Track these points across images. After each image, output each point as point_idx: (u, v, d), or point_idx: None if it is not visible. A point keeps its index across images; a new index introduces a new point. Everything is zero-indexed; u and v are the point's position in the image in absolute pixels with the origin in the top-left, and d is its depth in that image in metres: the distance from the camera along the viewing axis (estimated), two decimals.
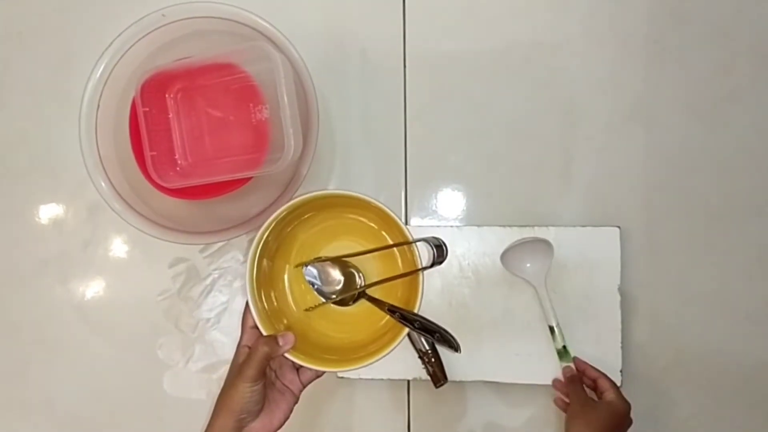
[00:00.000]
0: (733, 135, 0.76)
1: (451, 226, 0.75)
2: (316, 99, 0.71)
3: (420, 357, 0.72)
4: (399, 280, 0.64)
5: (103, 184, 0.72)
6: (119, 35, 0.71)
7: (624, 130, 0.76)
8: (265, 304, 0.65)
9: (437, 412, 0.76)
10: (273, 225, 0.63)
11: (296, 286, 0.69)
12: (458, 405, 0.76)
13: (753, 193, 0.76)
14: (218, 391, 0.75)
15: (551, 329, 0.72)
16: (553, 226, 0.74)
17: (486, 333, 0.74)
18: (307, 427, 0.76)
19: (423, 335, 0.65)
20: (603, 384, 0.69)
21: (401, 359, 0.73)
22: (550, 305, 0.72)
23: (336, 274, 0.66)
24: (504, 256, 0.73)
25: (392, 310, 0.63)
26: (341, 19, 0.78)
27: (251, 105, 0.71)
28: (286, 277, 0.69)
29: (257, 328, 0.62)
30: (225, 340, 0.77)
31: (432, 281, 0.74)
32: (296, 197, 0.63)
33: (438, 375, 0.72)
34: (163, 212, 0.74)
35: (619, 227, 0.73)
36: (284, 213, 0.63)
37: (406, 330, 0.61)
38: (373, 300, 0.65)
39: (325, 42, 0.77)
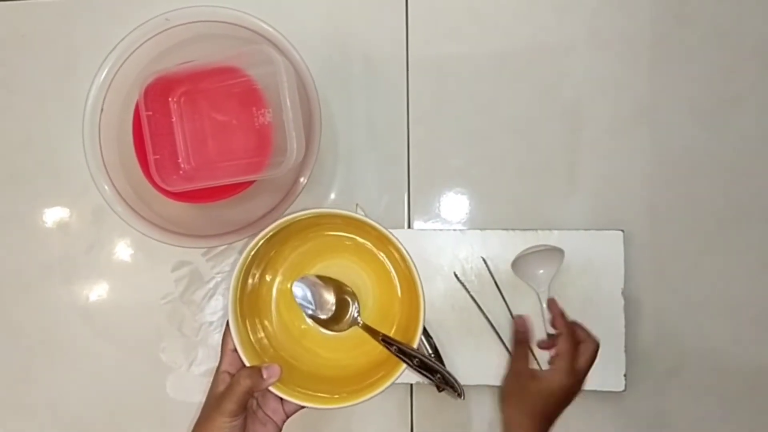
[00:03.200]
0: (738, 138, 0.76)
1: (455, 230, 0.75)
2: (319, 102, 0.71)
3: (421, 365, 0.65)
4: (398, 304, 0.61)
5: (106, 187, 0.72)
6: (123, 39, 0.71)
7: (628, 133, 0.76)
8: (249, 329, 0.61)
9: (440, 416, 0.76)
10: (258, 246, 0.60)
11: (285, 311, 0.66)
12: (461, 409, 0.75)
13: (758, 196, 0.75)
14: None
15: (549, 337, 0.72)
16: (557, 229, 0.74)
17: (488, 337, 0.73)
18: (308, 431, 0.76)
19: (422, 374, 0.60)
20: (560, 347, 0.63)
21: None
22: (548, 315, 0.72)
23: (329, 297, 0.62)
24: (516, 262, 0.73)
25: (388, 342, 0.58)
26: (344, 23, 0.78)
27: (254, 109, 0.71)
28: (273, 300, 0.66)
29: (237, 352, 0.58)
30: None
31: (435, 284, 0.74)
32: (285, 216, 0.59)
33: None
34: (166, 216, 0.74)
35: (623, 231, 0.73)
36: (271, 233, 0.60)
37: (403, 367, 0.58)
38: (368, 329, 0.61)
39: (327, 45, 0.77)
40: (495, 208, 0.76)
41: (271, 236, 0.60)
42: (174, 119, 0.73)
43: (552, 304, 0.69)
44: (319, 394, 0.59)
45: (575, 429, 0.74)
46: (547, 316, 0.72)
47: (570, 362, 0.64)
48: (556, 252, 0.72)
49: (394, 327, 0.65)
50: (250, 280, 0.62)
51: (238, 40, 0.72)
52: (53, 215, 0.79)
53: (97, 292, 0.79)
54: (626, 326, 0.72)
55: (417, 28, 0.77)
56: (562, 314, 0.68)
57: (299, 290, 0.62)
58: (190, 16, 0.71)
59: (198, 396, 0.77)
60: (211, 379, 0.74)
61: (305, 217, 0.59)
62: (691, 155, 0.76)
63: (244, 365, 0.59)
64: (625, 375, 0.72)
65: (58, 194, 0.79)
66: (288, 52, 0.71)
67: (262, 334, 0.64)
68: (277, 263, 0.66)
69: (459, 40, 0.77)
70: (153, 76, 0.70)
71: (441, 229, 0.76)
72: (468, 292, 0.73)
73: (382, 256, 0.65)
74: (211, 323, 0.77)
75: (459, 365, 0.73)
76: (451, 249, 0.74)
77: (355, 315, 0.62)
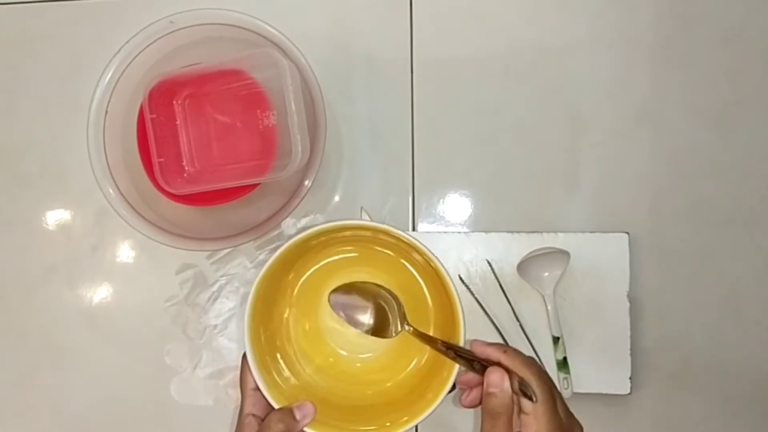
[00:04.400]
0: (742, 139, 0.76)
1: (459, 232, 0.75)
2: (324, 105, 0.71)
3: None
4: (429, 310, 0.58)
5: (110, 190, 0.72)
6: (127, 42, 0.71)
7: (632, 135, 0.76)
8: (271, 367, 0.57)
9: (445, 418, 0.75)
10: (271, 269, 0.55)
11: (306, 342, 0.60)
12: (467, 413, 0.75)
13: (762, 197, 0.75)
14: (225, 397, 0.76)
15: (555, 339, 0.72)
16: (561, 232, 0.73)
17: (493, 339, 0.73)
18: None
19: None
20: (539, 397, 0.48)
21: None
22: (556, 315, 0.72)
23: (364, 305, 0.56)
24: (522, 264, 0.73)
25: (447, 347, 0.52)
26: (349, 26, 0.78)
27: (259, 111, 0.71)
28: (291, 330, 0.61)
29: (260, 391, 0.53)
30: (232, 347, 0.76)
31: None
32: (295, 237, 0.54)
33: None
34: (170, 218, 0.74)
35: (627, 233, 0.73)
36: (280, 255, 0.55)
37: (452, 379, 0.51)
38: (420, 335, 0.53)
39: (332, 48, 0.77)
40: (499, 210, 0.76)
41: (279, 262, 0.55)
42: (178, 122, 0.73)
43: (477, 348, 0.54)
44: (359, 428, 0.54)
45: None
46: (553, 317, 0.72)
47: (559, 406, 0.50)
48: (562, 254, 0.72)
49: (431, 332, 0.60)
50: (264, 311, 0.57)
51: (242, 43, 0.72)
52: (57, 218, 0.79)
53: (101, 294, 0.79)
54: (631, 329, 0.72)
55: (421, 30, 0.77)
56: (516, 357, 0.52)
57: (338, 303, 0.57)
58: (195, 19, 0.71)
59: (203, 399, 0.77)
60: (218, 382, 0.74)
61: (315, 233, 0.55)
62: (697, 157, 0.76)
63: (271, 407, 0.53)
64: (630, 378, 0.72)
65: (62, 197, 0.79)
66: (293, 54, 0.71)
67: (286, 370, 0.59)
68: (288, 291, 0.62)
69: (463, 42, 0.77)
70: (157, 79, 0.70)
71: (445, 232, 0.76)
72: (473, 294, 0.73)
73: (403, 261, 0.61)
74: (215, 326, 0.76)
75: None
76: (456, 251, 0.74)
77: (405, 325, 0.56)
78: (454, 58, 0.77)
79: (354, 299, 0.57)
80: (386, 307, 0.57)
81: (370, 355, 0.60)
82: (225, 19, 0.71)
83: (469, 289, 0.73)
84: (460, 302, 0.53)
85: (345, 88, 0.77)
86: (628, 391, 0.72)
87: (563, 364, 0.71)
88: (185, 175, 0.73)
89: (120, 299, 0.79)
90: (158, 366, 0.77)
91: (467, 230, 0.76)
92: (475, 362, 0.51)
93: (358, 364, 0.60)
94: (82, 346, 0.79)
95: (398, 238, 0.54)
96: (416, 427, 0.75)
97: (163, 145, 0.71)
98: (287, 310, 0.62)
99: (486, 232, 0.74)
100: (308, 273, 0.62)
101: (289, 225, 0.75)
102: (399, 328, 0.56)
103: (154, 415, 0.78)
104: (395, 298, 0.57)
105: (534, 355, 0.73)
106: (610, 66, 0.77)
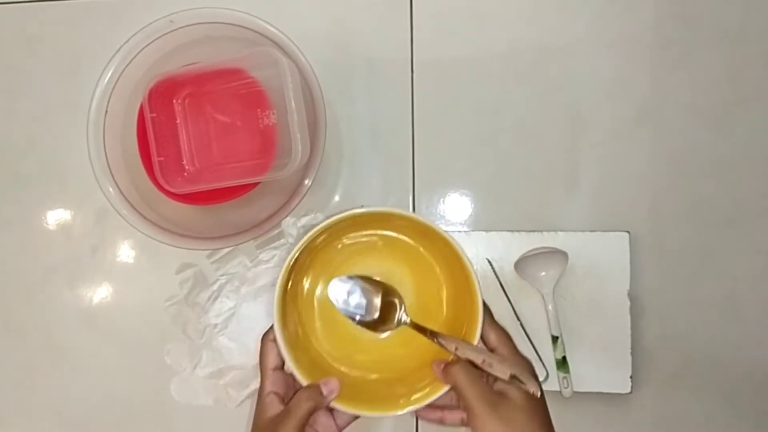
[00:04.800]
0: (742, 139, 0.76)
1: (459, 231, 0.75)
2: (324, 104, 0.71)
3: None
4: (443, 298, 0.59)
5: (110, 189, 0.72)
6: (127, 41, 0.71)
7: (632, 135, 0.76)
8: (297, 345, 0.58)
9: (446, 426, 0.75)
10: (296, 256, 0.57)
11: (329, 319, 0.62)
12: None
13: (763, 196, 0.75)
14: (225, 396, 0.76)
15: (554, 339, 0.72)
16: (561, 231, 0.73)
17: None
18: None
19: (488, 373, 0.53)
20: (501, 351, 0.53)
21: None
22: (556, 315, 0.72)
23: (373, 298, 0.59)
24: (518, 263, 0.73)
25: (435, 336, 0.54)
26: (349, 25, 0.78)
27: (259, 110, 0.71)
28: (315, 310, 0.63)
29: (280, 370, 0.54)
30: (232, 346, 0.76)
31: None
32: (321, 223, 0.56)
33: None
34: (170, 218, 0.74)
35: (628, 232, 0.73)
36: (309, 240, 0.57)
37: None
38: (417, 327, 0.55)
39: (332, 47, 0.77)
40: (499, 209, 0.76)
41: (307, 244, 0.57)
42: (178, 121, 0.73)
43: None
44: (378, 403, 0.56)
45: (581, 431, 0.74)
46: (552, 317, 0.72)
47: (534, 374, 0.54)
48: (560, 254, 0.72)
49: (440, 322, 0.61)
50: (289, 290, 0.59)
51: (242, 42, 0.72)
52: (57, 217, 0.79)
53: (101, 294, 0.79)
54: (632, 328, 0.72)
55: (422, 30, 0.77)
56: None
57: (338, 293, 0.59)
58: (195, 18, 0.71)
59: (203, 398, 0.76)
60: (218, 381, 0.74)
61: (342, 219, 0.56)
62: (697, 156, 0.76)
63: (290, 385, 0.55)
64: (631, 377, 0.72)
65: (62, 196, 0.79)
66: (293, 53, 0.71)
67: (312, 347, 0.61)
68: (312, 269, 0.63)
69: (463, 42, 0.77)
70: (157, 78, 0.70)
71: (445, 231, 0.76)
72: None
73: (422, 249, 0.62)
74: (215, 325, 0.76)
75: None
76: None
77: (403, 315, 0.58)
78: (455, 57, 0.77)
79: (363, 292, 0.58)
80: (395, 301, 0.58)
81: (388, 333, 0.61)
82: (225, 18, 0.71)
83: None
84: (479, 284, 0.55)
85: (345, 87, 0.77)
86: (629, 390, 0.72)
87: (562, 363, 0.71)
88: (185, 174, 0.73)
89: (120, 299, 0.79)
90: (158, 365, 0.77)
91: (467, 229, 0.76)
92: (484, 361, 0.53)
93: (374, 343, 0.61)
94: (82, 346, 0.79)
95: (424, 225, 0.56)
96: (416, 426, 0.75)
97: (163, 144, 0.71)
98: (311, 288, 0.63)
99: (486, 231, 0.74)
100: (332, 254, 0.63)
101: (289, 224, 0.75)
102: (398, 324, 0.58)
103: (154, 415, 0.78)
104: (399, 296, 0.59)
105: (534, 355, 0.73)
106: (610, 66, 0.77)
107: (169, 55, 0.72)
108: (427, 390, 0.55)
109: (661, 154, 0.76)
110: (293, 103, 0.65)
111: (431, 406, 0.56)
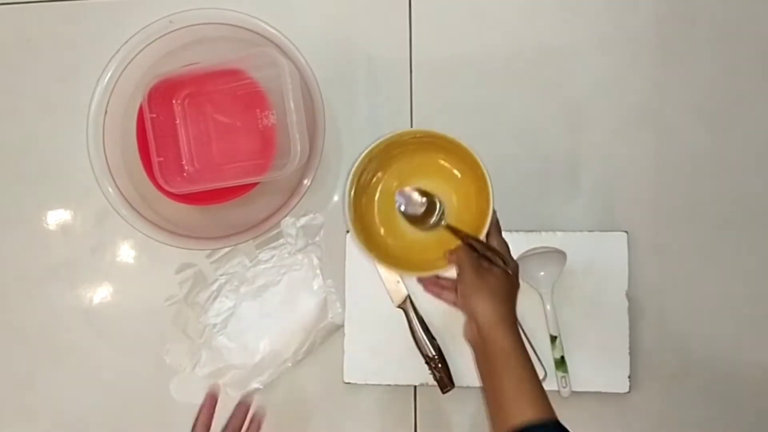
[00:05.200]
0: (741, 139, 0.76)
1: None
2: (323, 105, 0.72)
3: (427, 362, 0.72)
4: (469, 208, 0.70)
5: (110, 189, 0.72)
6: (126, 42, 0.71)
7: (632, 135, 0.76)
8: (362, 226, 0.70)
9: (444, 418, 0.76)
10: (372, 152, 0.68)
11: (385, 207, 0.72)
12: (465, 410, 0.75)
13: (761, 197, 0.75)
14: (225, 396, 0.76)
15: (552, 338, 0.72)
16: (560, 231, 0.74)
17: None
18: None
19: (485, 258, 0.66)
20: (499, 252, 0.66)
21: (407, 365, 0.73)
22: (554, 314, 0.72)
23: (421, 201, 0.70)
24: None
25: (461, 237, 0.67)
26: (348, 26, 0.78)
27: (258, 111, 0.71)
28: (376, 199, 0.73)
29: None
30: (232, 346, 0.76)
31: None
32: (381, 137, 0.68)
33: (445, 380, 0.72)
34: (170, 218, 0.74)
35: (626, 232, 0.73)
36: (384, 143, 0.68)
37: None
38: (449, 228, 0.68)
39: (331, 48, 0.77)
40: (499, 209, 0.76)
41: (377, 151, 0.68)
42: (178, 121, 0.73)
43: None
44: (405, 266, 0.69)
45: (580, 430, 0.74)
46: (551, 317, 0.72)
47: (507, 250, 0.67)
48: (558, 254, 0.72)
49: (462, 224, 0.70)
50: (363, 177, 0.70)
51: (242, 43, 0.72)
52: (57, 217, 0.80)
53: (101, 294, 0.79)
54: (630, 328, 0.72)
55: (421, 30, 0.77)
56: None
57: (400, 194, 0.71)
58: (194, 19, 0.72)
59: (202, 398, 0.76)
60: (217, 381, 0.75)
61: (408, 134, 0.68)
62: (696, 157, 0.76)
63: None
64: (629, 377, 0.72)
65: (62, 196, 0.80)
66: (292, 54, 0.71)
67: (375, 227, 0.73)
68: (383, 168, 0.72)
69: (462, 42, 0.77)
70: (157, 79, 0.70)
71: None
72: None
73: (456, 171, 0.72)
74: (214, 325, 0.77)
75: (463, 367, 0.73)
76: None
77: (439, 218, 0.70)
78: (454, 57, 0.77)
79: (415, 196, 0.70)
80: (437, 205, 0.70)
81: (425, 232, 0.72)
82: (224, 19, 0.71)
83: None
84: (491, 183, 0.66)
85: (344, 87, 0.77)
86: (627, 389, 0.72)
87: (561, 363, 0.72)
88: (185, 174, 0.73)
89: (120, 299, 0.79)
90: (158, 365, 0.77)
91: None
92: (482, 251, 0.65)
93: (413, 234, 0.72)
94: (82, 346, 0.79)
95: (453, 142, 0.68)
96: (415, 426, 0.75)
97: (162, 144, 0.71)
98: (378, 180, 0.73)
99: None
100: (399, 164, 0.73)
101: (288, 224, 0.75)
102: (436, 224, 0.70)
103: (153, 414, 0.78)
104: (441, 203, 0.71)
105: (532, 354, 0.73)
106: (610, 66, 0.77)
107: (168, 56, 0.73)
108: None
109: (660, 155, 0.76)
110: (292, 104, 0.65)
111: (435, 283, 0.72)
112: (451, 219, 0.71)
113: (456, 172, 0.72)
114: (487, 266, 0.65)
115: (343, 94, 0.77)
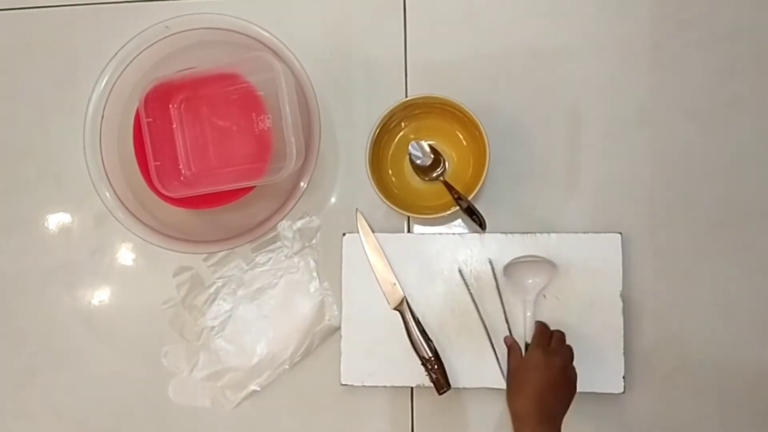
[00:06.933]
0: (736, 140, 0.76)
1: (453, 234, 0.76)
2: (318, 108, 0.72)
3: (423, 364, 0.73)
4: (466, 171, 0.76)
5: (107, 194, 0.72)
6: (123, 47, 0.72)
7: (626, 137, 0.77)
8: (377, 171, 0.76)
9: (441, 420, 0.76)
10: (397, 108, 0.73)
11: (398, 159, 0.78)
12: (462, 412, 0.76)
13: (756, 198, 0.76)
14: (222, 398, 0.76)
15: (527, 345, 0.72)
16: (554, 232, 0.74)
17: (488, 340, 0.74)
18: None
19: (470, 217, 0.74)
20: (534, 334, 0.71)
21: (404, 366, 0.74)
22: (533, 322, 0.72)
23: (428, 154, 0.76)
24: (507, 268, 0.73)
25: (453, 192, 0.74)
26: (343, 29, 0.79)
27: (254, 115, 0.72)
28: (391, 150, 0.78)
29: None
30: (229, 348, 0.77)
31: (435, 288, 0.75)
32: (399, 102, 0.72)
33: (441, 382, 0.72)
34: (167, 222, 0.74)
35: (620, 233, 0.73)
36: (409, 102, 0.73)
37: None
38: (446, 184, 0.75)
39: (326, 52, 0.78)
40: (494, 211, 0.77)
41: (410, 104, 0.74)
42: (174, 126, 0.73)
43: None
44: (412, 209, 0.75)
45: (575, 430, 0.74)
46: (529, 324, 0.72)
47: (539, 340, 0.70)
48: (548, 264, 0.72)
49: (460, 183, 0.76)
50: (391, 120, 0.75)
51: (237, 47, 0.72)
52: (55, 221, 0.80)
53: (99, 297, 0.80)
54: (625, 329, 0.73)
55: (415, 33, 0.78)
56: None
57: (413, 145, 0.76)
58: (190, 24, 0.72)
59: (200, 400, 0.77)
60: (215, 383, 0.75)
61: (426, 98, 0.73)
62: (690, 158, 0.76)
63: None
64: (623, 377, 0.72)
65: (60, 201, 0.80)
66: (287, 58, 0.71)
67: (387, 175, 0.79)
68: (407, 120, 0.77)
69: (457, 45, 0.78)
70: (153, 83, 0.70)
71: (440, 234, 0.76)
72: (468, 289, 0.74)
73: (458, 133, 0.77)
74: (212, 328, 0.77)
75: (459, 368, 0.73)
76: (451, 253, 0.75)
77: (442, 171, 0.77)
78: (448, 60, 0.78)
79: (425, 150, 0.76)
80: (440, 161, 0.76)
81: (429, 182, 0.78)
82: (220, 24, 0.72)
83: (466, 283, 0.74)
84: (489, 151, 0.71)
85: (340, 90, 0.78)
86: (622, 390, 0.72)
87: None
88: (182, 178, 0.73)
89: (118, 302, 0.79)
90: (156, 368, 0.78)
91: (462, 232, 0.77)
92: (465, 205, 0.72)
93: (418, 183, 0.78)
94: (80, 349, 0.79)
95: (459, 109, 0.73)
96: (412, 427, 0.76)
97: (159, 148, 0.72)
98: (399, 130, 0.78)
99: (480, 233, 0.75)
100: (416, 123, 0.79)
101: (285, 227, 0.76)
102: (436, 177, 0.77)
103: (151, 417, 0.78)
104: (444, 160, 0.77)
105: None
106: (604, 68, 0.77)
107: (164, 61, 0.73)
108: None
109: (654, 156, 0.76)
110: (288, 107, 0.66)
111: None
112: (449, 177, 0.76)
113: (463, 139, 0.77)
114: (526, 358, 0.70)
115: (338, 98, 0.78)
